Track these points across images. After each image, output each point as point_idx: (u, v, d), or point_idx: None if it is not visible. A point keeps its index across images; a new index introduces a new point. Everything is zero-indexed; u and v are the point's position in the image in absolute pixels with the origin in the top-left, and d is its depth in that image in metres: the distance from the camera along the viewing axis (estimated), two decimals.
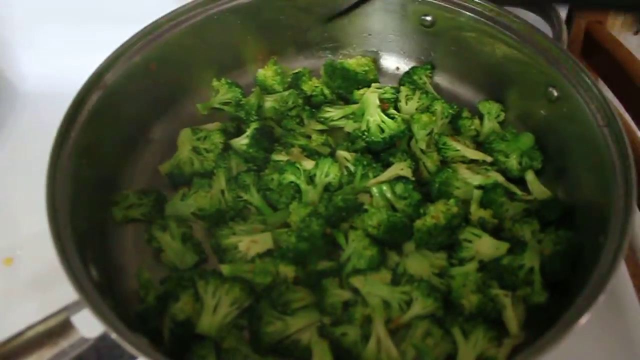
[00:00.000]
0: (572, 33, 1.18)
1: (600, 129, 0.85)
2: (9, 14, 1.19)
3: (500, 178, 0.95)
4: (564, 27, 0.98)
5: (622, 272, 0.93)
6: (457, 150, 0.98)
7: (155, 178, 0.99)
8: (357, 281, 0.83)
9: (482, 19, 1.00)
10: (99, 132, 0.89)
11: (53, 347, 0.66)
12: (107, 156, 0.93)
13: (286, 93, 1.06)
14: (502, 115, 1.04)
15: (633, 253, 0.98)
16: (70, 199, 0.79)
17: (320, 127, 1.03)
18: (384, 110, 0.99)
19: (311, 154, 0.97)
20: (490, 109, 1.04)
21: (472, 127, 1.03)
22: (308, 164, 0.93)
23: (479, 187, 0.94)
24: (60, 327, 0.67)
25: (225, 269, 0.83)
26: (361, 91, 1.05)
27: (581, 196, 0.91)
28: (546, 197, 0.94)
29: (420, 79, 1.09)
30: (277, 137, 1.01)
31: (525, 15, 1.01)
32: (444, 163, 0.98)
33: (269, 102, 1.05)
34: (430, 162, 0.97)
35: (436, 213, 0.87)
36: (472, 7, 1.00)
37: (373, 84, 1.07)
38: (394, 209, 0.91)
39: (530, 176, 0.96)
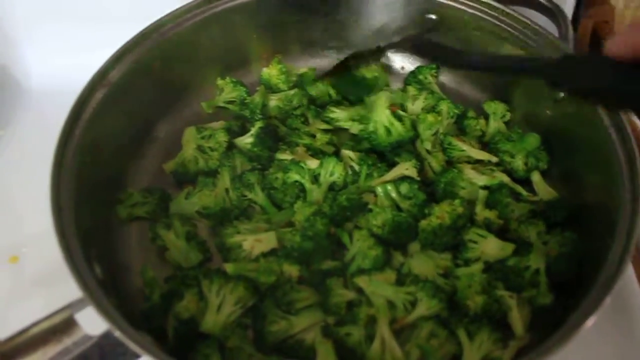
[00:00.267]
0: (579, 32, 1.18)
1: (607, 130, 0.85)
2: (13, 11, 1.19)
3: (505, 178, 0.94)
4: (570, 26, 0.98)
5: (629, 273, 0.92)
6: (463, 150, 0.97)
7: (160, 176, 0.99)
8: (361, 281, 0.82)
9: (487, 18, 1.00)
10: (103, 130, 0.89)
11: (57, 344, 0.66)
12: (112, 154, 0.93)
13: (291, 92, 1.06)
14: (508, 116, 1.04)
15: None
16: (75, 197, 0.79)
17: (325, 126, 1.02)
18: (393, 112, 0.98)
19: (316, 153, 0.96)
20: (496, 109, 1.04)
21: (478, 127, 1.02)
22: (312, 163, 0.93)
23: (485, 187, 0.93)
24: (64, 325, 0.67)
25: (229, 267, 0.83)
26: (372, 98, 1.04)
27: (587, 197, 0.90)
28: (552, 198, 0.94)
29: (426, 78, 1.08)
30: (281, 136, 1.01)
31: (531, 14, 1.00)
32: (449, 163, 0.98)
33: (274, 101, 1.05)
34: (435, 162, 0.97)
35: (441, 213, 0.87)
36: (477, 6, 1.00)
37: (385, 87, 1.07)
38: (398, 208, 0.91)
39: (536, 177, 0.96)
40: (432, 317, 0.80)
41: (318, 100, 1.07)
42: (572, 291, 0.81)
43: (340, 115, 1.02)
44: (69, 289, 0.83)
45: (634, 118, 0.98)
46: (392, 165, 0.95)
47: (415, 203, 0.90)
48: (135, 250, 0.91)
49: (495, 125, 1.03)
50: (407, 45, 1.08)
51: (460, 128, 1.03)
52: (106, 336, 0.68)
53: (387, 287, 0.82)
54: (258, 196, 0.93)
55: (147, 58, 0.95)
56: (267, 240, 0.86)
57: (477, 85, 1.09)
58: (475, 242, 0.86)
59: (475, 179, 0.94)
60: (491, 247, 0.85)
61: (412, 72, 1.10)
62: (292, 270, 0.83)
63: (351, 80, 1.06)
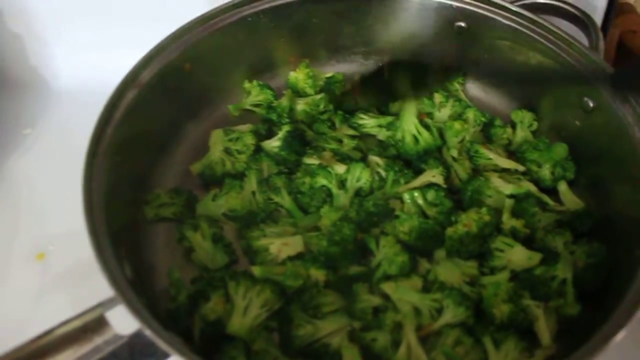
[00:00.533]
0: (605, 42, 1.17)
1: (636, 142, 0.84)
2: (42, 12, 1.20)
3: (532, 188, 0.94)
4: (601, 36, 0.97)
5: None
6: (489, 158, 0.97)
7: (186, 178, 0.99)
8: (388, 287, 0.82)
9: (517, 27, 0.99)
10: (133, 130, 0.89)
11: (88, 343, 0.66)
12: (140, 155, 0.94)
13: (318, 97, 1.06)
14: (535, 125, 1.04)
15: None
16: (106, 196, 0.80)
17: (351, 132, 1.03)
18: (420, 121, 0.98)
19: (343, 158, 0.97)
20: (523, 117, 1.04)
21: (505, 135, 1.02)
22: (340, 168, 0.93)
23: (511, 196, 0.93)
24: (95, 323, 0.67)
25: (256, 270, 0.83)
26: (397, 104, 1.05)
27: (616, 208, 0.90)
28: (579, 208, 0.93)
29: (453, 86, 1.08)
30: (308, 140, 1.01)
31: (561, 24, 1.00)
32: (476, 171, 0.98)
33: (301, 105, 1.05)
34: (462, 170, 0.97)
35: (468, 221, 0.87)
36: (507, 14, 0.99)
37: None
38: (425, 215, 0.91)
39: (562, 187, 0.96)
40: (458, 325, 0.80)
41: (345, 105, 1.07)
42: (599, 302, 0.81)
43: (368, 121, 1.02)
44: (95, 287, 0.84)
45: None
46: (418, 172, 0.95)
47: (442, 210, 0.90)
48: (161, 250, 0.92)
49: (522, 134, 1.02)
50: None
51: (486, 136, 1.03)
52: (136, 335, 0.68)
53: (413, 294, 0.82)
54: (284, 200, 0.93)
55: (177, 60, 0.95)
56: (294, 244, 0.87)
57: (504, 93, 1.09)
58: (501, 251, 0.86)
59: (502, 188, 0.93)
60: (518, 256, 0.85)
61: None
62: (318, 274, 0.84)
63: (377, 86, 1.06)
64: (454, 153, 0.98)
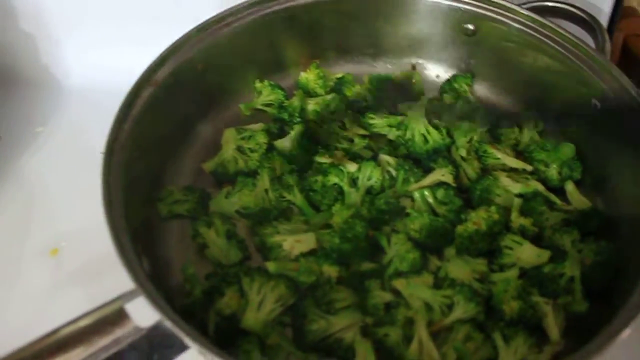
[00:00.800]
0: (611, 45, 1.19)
1: None
2: (54, 11, 1.22)
3: (540, 187, 0.96)
4: (607, 38, 0.99)
5: None
6: (498, 158, 0.99)
7: (199, 176, 1.01)
8: (399, 283, 0.84)
9: (524, 29, 1.01)
10: (149, 128, 0.90)
11: (108, 335, 0.67)
12: (154, 153, 0.95)
13: (328, 97, 1.08)
14: (541, 125, 1.05)
15: None
16: (123, 192, 0.81)
17: (362, 131, 1.04)
18: (429, 121, 1.00)
19: (354, 157, 0.98)
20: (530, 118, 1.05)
21: (512, 136, 1.04)
22: (351, 167, 0.94)
23: (519, 195, 0.95)
24: (115, 316, 0.68)
25: (271, 266, 0.85)
26: (407, 104, 1.06)
27: (623, 208, 0.91)
28: (585, 207, 0.95)
29: (461, 87, 1.10)
30: (319, 139, 1.02)
31: (568, 26, 1.01)
32: (484, 171, 0.99)
33: (311, 105, 1.07)
34: (470, 169, 0.98)
35: (477, 219, 0.88)
36: (515, 17, 1.01)
37: (422, 96, 1.08)
38: (435, 213, 0.92)
39: (570, 186, 0.97)
40: (468, 321, 0.81)
41: (355, 105, 1.08)
42: (607, 299, 0.82)
43: (378, 121, 1.04)
44: (108, 282, 0.85)
45: None
46: (428, 171, 0.97)
47: (451, 209, 0.92)
48: (175, 247, 0.93)
49: (529, 134, 1.04)
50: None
51: (494, 136, 1.05)
52: (155, 328, 0.70)
53: (424, 290, 0.83)
54: (296, 198, 0.94)
55: (191, 59, 0.97)
56: (306, 241, 0.88)
57: (511, 94, 1.11)
58: (510, 249, 0.87)
59: (511, 187, 0.95)
60: (527, 253, 0.86)
61: (448, 81, 1.11)
62: (331, 270, 0.85)
63: (388, 86, 1.07)
64: (463, 152, 1.00)
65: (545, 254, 0.86)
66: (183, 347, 0.70)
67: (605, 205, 0.95)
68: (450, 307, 0.82)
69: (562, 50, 0.97)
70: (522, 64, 1.05)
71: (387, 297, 0.84)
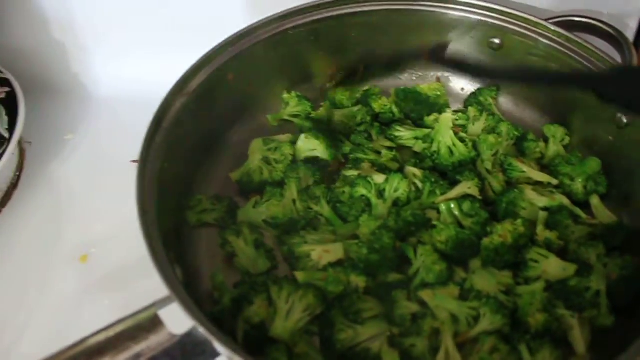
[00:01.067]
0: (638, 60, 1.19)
1: None
2: (83, 20, 1.24)
3: (565, 201, 0.96)
4: (634, 53, 1.00)
5: None
6: (523, 171, 0.99)
7: (227, 185, 1.02)
8: (425, 295, 0.84)
9: (551, 44, 1.02)
10: (180, 138, 0.92)
11: (143, 342, 0.69)
12: (184, 161, 0.96)
13: (355, 109, 1.09)
14: (567, 139, 1.06)
15: None
16: (156, 200, 0.82)
17: (388, 144, 1.05)
18: (455, 134, 1.01)
19: (381, 169, 0.99)
20: (555, 132, 1.06)
21: (537, 149, 1.04)
22: (379, 178, 0.95)
23: (545, 208, 0.95)
24: (149, 322, 0.70)
25: (300, 275, 0.86)
26: (432, 116, 1.08)
27: None
28: (611, 222, 0.95)
29: (486, 100, 1.11)
30: (346, 151, 1.04)
31: (594, 41, 1.02)
32: (509, 184, 1.00)
33: (338, 117, 1.08)
34: (496, 182, 0.99)
35: (504, 232, 0.89)
36: (542, 32, 1.02)
37: (448, 109, 1.09)
38: (460, 226, 0.93)
39: (595, 200, 0.97)
40: (494, 333, 0.82)
41: (381, 117, 1.10)
42: (633, 312, 0.83)
43: (404, 133, 1.05)
44: (138, 288, 0.87)
45: None
46: (453, 183, 0.98)
47: (477, 221, 0.93)
48: (204, 255, 0.94)
49: (554, 148, 1.04)
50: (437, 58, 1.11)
51: (519, 150, 1.05)
52: (187, 335, 0.71)
53: (451, 301, 0.84)
54: (324, 209, 0.95)
55: (223, 70, 0.99)
56: (334, 251, 0.89)
57: (537, 108, 1.11)
58: (536, 262, 0.88)
59: (536, 200, 0.95)
60: (553, 267, 0.87)
61: (473, 94, 1.12)
62: (359, 281, 0.86)
63: (413, 99, 1.08)
64: (488, 166, 1.01)
65: (572, 268, 0.86)
66: (214, 355, 0.71)
67: (631, 220, 0.96)
68: (476, 318, 0.83)
69: (589, 65, 0.98)
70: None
71: (414, 307, 0.84)
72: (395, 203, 0.96)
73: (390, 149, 1.04)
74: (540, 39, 1.02)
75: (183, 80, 0.93)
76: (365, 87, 1.13)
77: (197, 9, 1.21)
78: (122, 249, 0.98)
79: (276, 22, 1.03)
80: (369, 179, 0.95)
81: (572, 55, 1.00)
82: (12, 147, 1.03)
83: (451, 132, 1.01)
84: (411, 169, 0.98)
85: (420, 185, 0.97)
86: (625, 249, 0.91)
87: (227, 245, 0.92)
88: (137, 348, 0.69)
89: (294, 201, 0.96)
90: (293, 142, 1.04)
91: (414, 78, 1.17)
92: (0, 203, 1.08)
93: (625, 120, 0.95)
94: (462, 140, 1.01)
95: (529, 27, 1.02)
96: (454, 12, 1.06)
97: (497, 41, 1.07)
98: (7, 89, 1.11)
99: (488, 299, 0.83)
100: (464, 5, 1.05)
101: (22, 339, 0.92)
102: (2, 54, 1.21)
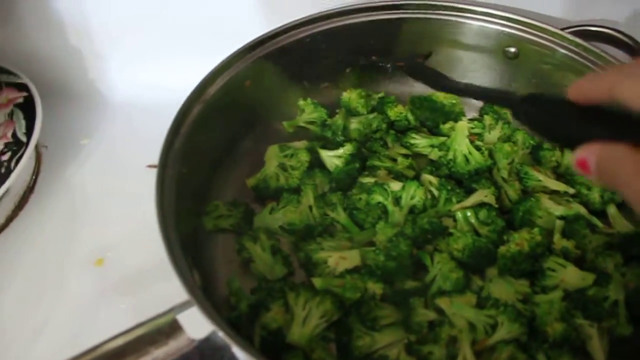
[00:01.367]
0: None
1: None
2: (100, 26, 1.25)
3: (582, 210, 0.96)
4: None
5: None
6: (539, 180, 0.99)
7: (243, 191, 1.02)
8: (442, 302, 0.84)
9: (567, 53, 1.01)
10: (198, 144, 0.93)
11: (163, 347, 0.69)
12: (202, 167, 0.97)
13: (371, 116, 1.09)
14: None
15: None
16: (175, 205, 0.83)
17: (404, 151, 1.05)
18: (471, 142, 1.01)
19: (397, 176, 0.99)
20: None
21: (553, 158, 1.04)
22: (395, 186, 0.95)
23: (561, 217, 0.95)
24: (169, 327, 0.70)
25: (317, 282, 0.86)
26: (448, 124, 1.08)
27: None
28: (628, 231, 0.95)
29: (502, 109, 1.11)
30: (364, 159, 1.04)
31: (611, 51, 1.02)
32: (525, 192, 1.00)
33: (354, 124, 1.08)
34: (512, 191, 0.99)
35: (520, 240, 0.89)
36: (559, 41, 1.02)
37: (463, 117, 1.09)
38: (477, 234, 0.93)
39: (612, 209, 0.97)
40: (512, 341, 0.82)
41: (397, 125, 1.10)
42: None
43: (420, 141, 1.05)
44: (153, 292, 0.87)
45: None
46: (469, 191, 0.98)
47: (494, 229, 0.92)
48: (220, 261, 0.94)
49: (570, 157, 1.04)
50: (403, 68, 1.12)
51: (535, 159, 1.05)
52: (206, 340, 0.71)
53: (468, 309, 0.84)
54: (340, 216, 0.96)
55: (240, 77, 0.99)
56: (351, 258, 0.89)
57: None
58: (554, 270, 0.88)
59: (552, 209, 0.95)
60: (571, 276, 0.87)
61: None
62: (376, 287, 0.86)
63: (429, 107, 1.08)
64: (504, 174, 1.00)
65: (590, 277, 0.86)
66: (232, 359, 0.71)
67: None
68: (493, 327, 0.83)
69: None
70: (562, 86, 1.05)
71: (431, 315, 0.84)
72: (412, 210, 0.96)
73: (406, 156, 1.04)
74: (557, 48, 1.02)
75: (201, 87, 0.93)
76: (381, 94, 1.13)
77: (212, 16, 1.21)
78: (137, 253, 0.99)
79: (292, 29, 1.03)
80: (385, 186, 0.95)
81: (589, 64, 0.99)
82: (30, 151, 1.03)
83: (467, 140, 1.01)
84: (427, 177, 0.98)
85: (436, 193, 0.97)
86: None
87: (244, 251, 0.92)
88: (156, 353, 0.69)
89: (310, 207, 0.96)
90: (309, 149, 1.04)
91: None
92: (16, 207, 1.09)
93: None
94: (478, 148, 1.01)
95: (546, 36, 1.02)
96: (473, 22, 1.06)
97: (513, 50, 1.07)
98: (24, 94, 1.12)
99: (505, 307, 0.83)
100: (482, 15, 1.05)
101: (38, 342, 0.92)
102: (21, 59, 1.22)
